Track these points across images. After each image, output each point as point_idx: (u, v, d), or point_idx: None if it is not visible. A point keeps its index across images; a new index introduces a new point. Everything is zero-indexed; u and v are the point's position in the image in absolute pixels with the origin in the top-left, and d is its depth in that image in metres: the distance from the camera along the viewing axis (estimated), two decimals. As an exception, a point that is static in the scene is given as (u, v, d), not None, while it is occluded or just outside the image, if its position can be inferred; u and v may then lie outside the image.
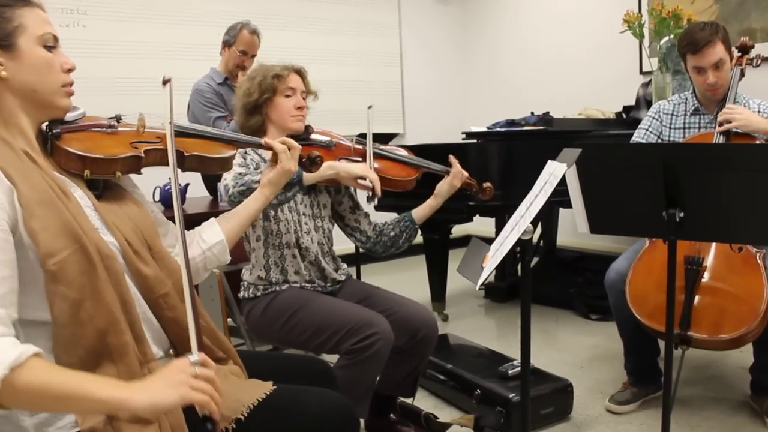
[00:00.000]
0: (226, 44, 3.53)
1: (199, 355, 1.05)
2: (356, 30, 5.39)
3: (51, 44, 1.22)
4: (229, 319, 2.40)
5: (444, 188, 2.22)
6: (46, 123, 1.25)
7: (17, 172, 1.11)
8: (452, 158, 2.25)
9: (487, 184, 2.35)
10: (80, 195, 1.21)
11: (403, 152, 2.28)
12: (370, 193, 1.99)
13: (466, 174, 2.24)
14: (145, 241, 1.27)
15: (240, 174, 1.91)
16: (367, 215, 2.30)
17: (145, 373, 1.17)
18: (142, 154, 1.30)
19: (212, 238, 1.47)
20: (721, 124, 2.33)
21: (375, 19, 5.51)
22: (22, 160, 1.14)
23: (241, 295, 2.16)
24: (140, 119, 1.36)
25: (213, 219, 1.52)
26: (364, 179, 1.98)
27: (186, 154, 1.37)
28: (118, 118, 1.35)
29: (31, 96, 1.20)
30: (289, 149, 1.55)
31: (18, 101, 1.19)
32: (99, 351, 1.12)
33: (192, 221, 1.51)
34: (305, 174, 1.90)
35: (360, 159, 2.14)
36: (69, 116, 1.29)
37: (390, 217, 2.35)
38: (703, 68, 2.37)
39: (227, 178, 1.90)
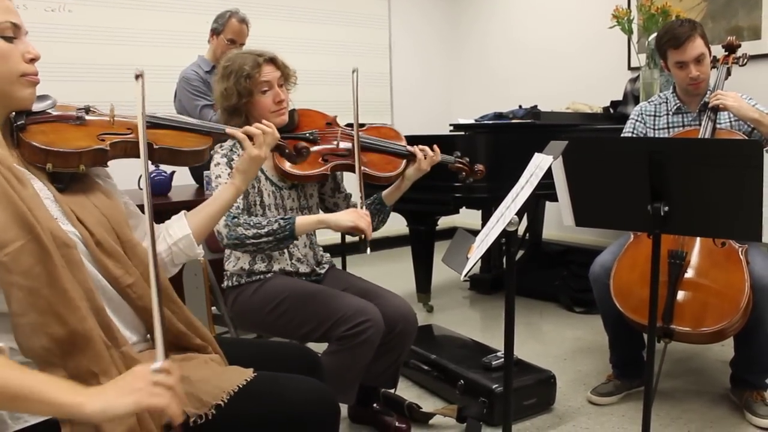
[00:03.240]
0: (215, 32, 3.51)
1: (162, 363, 1.02)
2: (346, 20, 5.36)
3: (9, 34, 1.16)
4: (214, 308, 2.39)
5: (411, 172, 2.15)
6: (13, 114, 1.22)
7: None
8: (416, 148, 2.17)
9: (479, 167, 2.32)
10: (40, 187, 1.19)
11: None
12: (362, 236, 1.93)
13: (437, 159, 2.17)
14: (112, 230, 1.25)
15: (234, 219, 1.89)
16: (347, 198, 2.27)
17: (117, 358, 1.16)
18: (108, 147, 1.27)
19: (178, 233, 1.42)
20: (712, 108, 2.35)
21: (364, 10, 5.48)
22: None
23: (224, 284, 2.14)
24: (111, 110, 1.34)
25: (182, 212, 1.48)
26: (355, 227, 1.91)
27: (156, 146, 1.34)
28: (87, 109, 1.33)
29: None
30: (263, 134, 1.51)
31: None
32: (64, 338, 1.10)
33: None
34: (297, 225, 1.89)
35: (349, 143, 2.08)
36: (38, 106, 1.25)
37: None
38: (685, 62, 2.39)
39: (219, 225, 1.86)
